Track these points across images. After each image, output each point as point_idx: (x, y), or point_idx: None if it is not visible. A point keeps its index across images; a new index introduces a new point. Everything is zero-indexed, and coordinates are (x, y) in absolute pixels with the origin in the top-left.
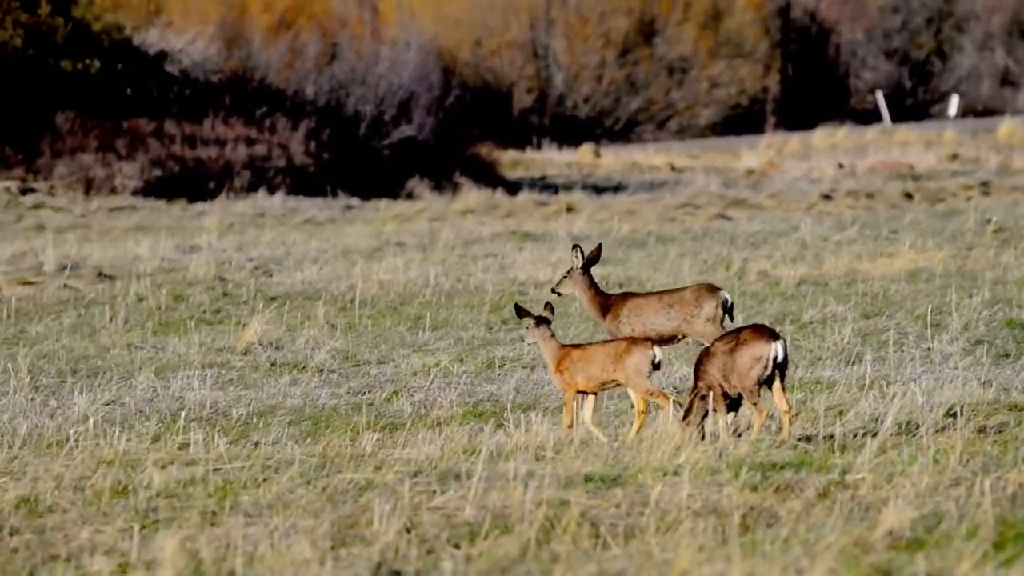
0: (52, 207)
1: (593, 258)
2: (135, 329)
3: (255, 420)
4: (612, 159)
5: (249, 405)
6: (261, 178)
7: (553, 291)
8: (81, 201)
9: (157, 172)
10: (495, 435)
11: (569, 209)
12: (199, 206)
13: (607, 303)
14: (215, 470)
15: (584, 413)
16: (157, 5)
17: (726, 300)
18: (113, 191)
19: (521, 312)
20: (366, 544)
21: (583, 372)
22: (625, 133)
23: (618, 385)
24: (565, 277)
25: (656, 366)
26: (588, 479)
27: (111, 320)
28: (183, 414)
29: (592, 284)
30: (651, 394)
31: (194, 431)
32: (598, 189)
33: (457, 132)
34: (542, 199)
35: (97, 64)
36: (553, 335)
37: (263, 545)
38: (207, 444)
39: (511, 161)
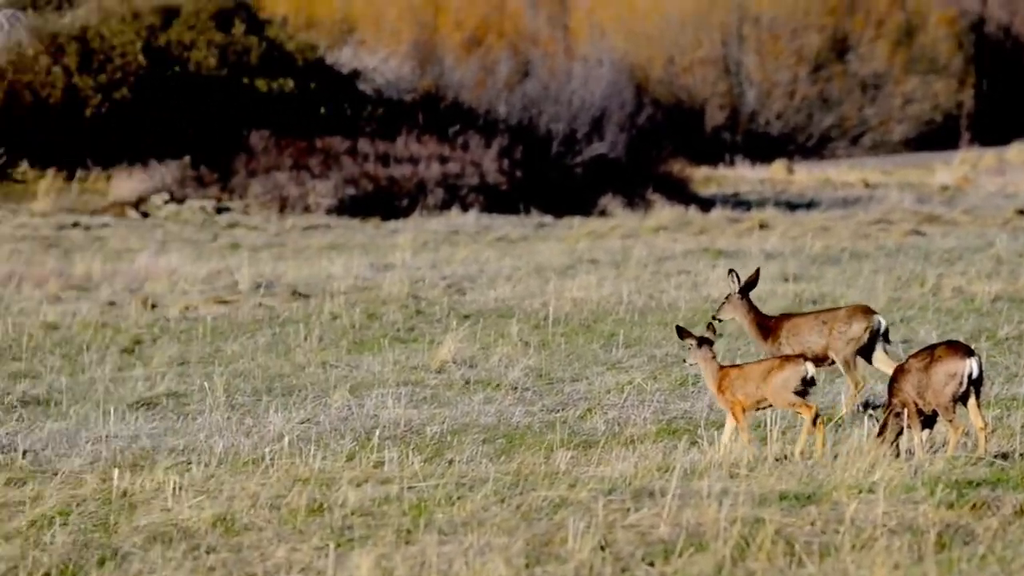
0: (247, 226)
1: (751, 282)
2: (329, 347)
3: (449, 438)
4: (805, 175)
5: (443, 423)
6: (454, 196)
7: (714, 318)
8: (275, 220)
9: (351, 191)
10: (689, 453)
11: (762, 226)
12: (392, 224)
13: (767, 325)
14: (409, 488)
15: (725, 433)
16: (350, 24)
17: (879, 323)
18: (307, 210)
19: (683, 334)
20: (560, 562)
21: (742, 390)
22: (818, 149)
23: (769, 405)
24: (724, 303)
25: (810, 382)
26: (782, 497)
27: (306, 338)
28: (377, 432)
29: (751, 307)
30: (793, 405)
31: (388, 449)
32: (791, 206)
33: (649, 149)
34: (735, 216)
35: (291, 83)
36: (714, 356)
37: (458, 563)
38: (402, 462)
39: (704, 178)
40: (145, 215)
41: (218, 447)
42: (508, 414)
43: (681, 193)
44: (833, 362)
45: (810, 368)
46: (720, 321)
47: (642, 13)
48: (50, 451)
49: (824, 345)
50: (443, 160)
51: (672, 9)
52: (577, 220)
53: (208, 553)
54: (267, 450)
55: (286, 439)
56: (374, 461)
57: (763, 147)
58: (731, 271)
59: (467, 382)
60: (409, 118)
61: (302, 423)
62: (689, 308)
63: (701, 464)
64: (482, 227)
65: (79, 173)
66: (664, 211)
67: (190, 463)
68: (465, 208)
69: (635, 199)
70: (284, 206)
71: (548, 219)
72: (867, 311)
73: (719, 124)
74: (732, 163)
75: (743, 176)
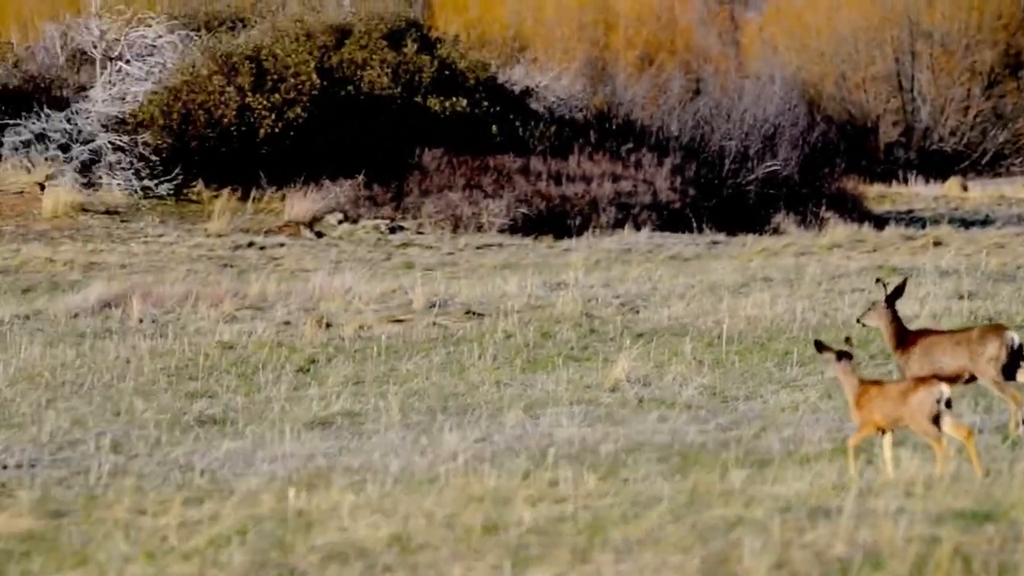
0: (420, 245)
1: (897, 292)
2: (503, 366)
3: (624, 456)
4: (979, 192)
5: (617, 442)
6: (627, 214)
7: (858, 321)
8: (448, 239)
9: (523, 209)
10: (865, 471)
11: (936, 243)
12: (565, 243)
13: (905, 338)
14: (584, 507)
15: (884, 449)
16: (521, 43)
17: (1012, 341)
18: (480, 228)
19: (821, 347)
20: None
21: (880, 409)
22: (992, 166)
23: (907, 425)
24: (870, 309)
25: (946, 404)
26: (959, 515)
27: (480, 357)
28: (552, 451)
29: (895, 318)
30: (928, 435)
31: (563, 468)
32: (965, 223)
33: (822, 166)
34: (909, 233)
35: (463, 102)
36: (854, 370)
37: None
38: (576, 481)
39: (877, 195)
40: (319, 235)
41: (393, 466)
42: (682, 432)
43: (855, 210)
44: (968, 380)
45: (945, 390)
46: (864, 326)
47: (814, 30)
48: (227, 470)
49: (959, 366)
50: (615, 178)
51: (844, 25)
52: (750, 238)
53: (384, 572)
54: (442, 469)
55: (461, 458)
56: (549, 480)
57: (937, 164)
58: (878, 280)
59: (641, 400)
60: (581, 136)
61: (476, 442)
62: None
63: (877, 483)
64: (655, 245)
65: (253, 193)
66: (838, 228)
67: (365, 482)
68: (638, 226)
69: (808, 216)
70: (457, 225)
71: (721, 237)
72: (999, 330)
73: (892, 141)
74: (906, 180)
75: (917, 193)
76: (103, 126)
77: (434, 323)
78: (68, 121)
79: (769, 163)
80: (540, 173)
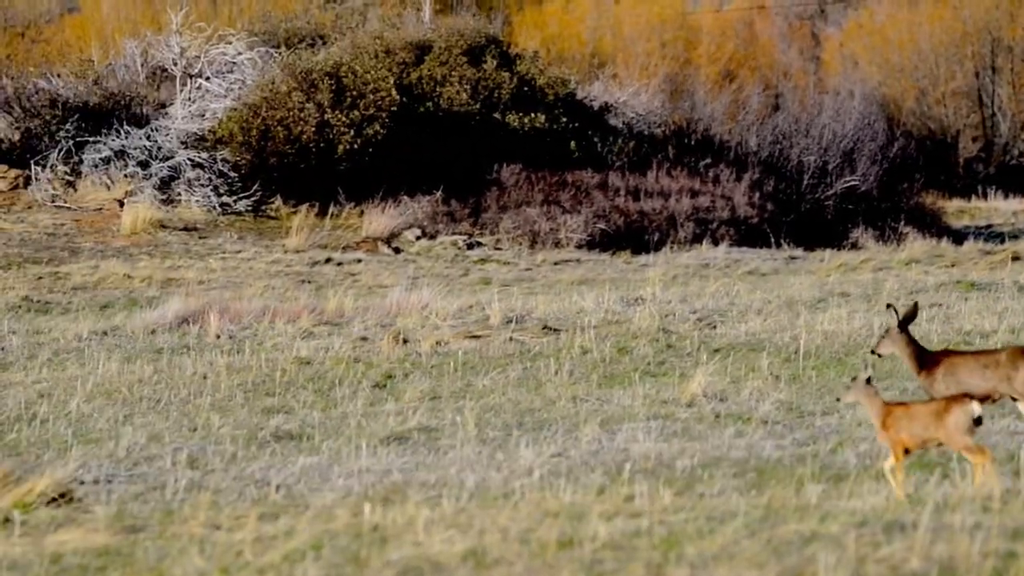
0: (498, 260)
1: (909, 316)
2: (580, 381)
3: (700, 472)
4: None
5: (693, 457)
6: (705, 229)
7: (873, 352)
8: (526, 254)
9: (601, 225)
10: (941, 486)
11: (1015, 258)
12: (642, 258)
13: (926, 359)
14: (660, 522)
15: (886, 468)
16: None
17: None
18: (558, 244)
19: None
20: None
21: (907, 430)
22: None
23: (940, 444)
24: (883, 337)
25: (978, 422)
26: None
27: (556, 373)
28: (628, 466)
29: (911, 341)
30: (969, 450)
31: (639, 483)
32: None
33: (901, 181)
34: (987, 248)
35: (542, 118)
36: (877, 392)
37: None
38: (652, 496)
39: (956, 210)
40: (397, 250)
41: (469, 481)
42: (758, 448)
43: (933, 225)
44: (994, 400)
45: (976, 408)
46: (880, 356)
47: (895, 45)
48: (303, 485)
49: (989, 388)
50: (693, 194)
51: (924, 41)
52: (828, 253)
53: None
54: (517, 484)
55: (536, 473)
56: (624, 495)
57: (1017, 178)
58: (889, 305)
59: (717, 416)
60: (660, 152)
61: (552, 457)
62: (942, 341)
63: (953, 497)
64: (732, 260)
65: (331, 209)
66: (916, 244)
67: (441, 497)
68: (716, 242)
69: (887, 231)
70: (535, 241)
71: (799, 252)
72: None
73: (972, 156)
74: (985, 195)
75: (996, 208)
76: (182, 143)
77: (511, 339)
78: (147, 138)
79: (848, 178)
80: (618, 189)
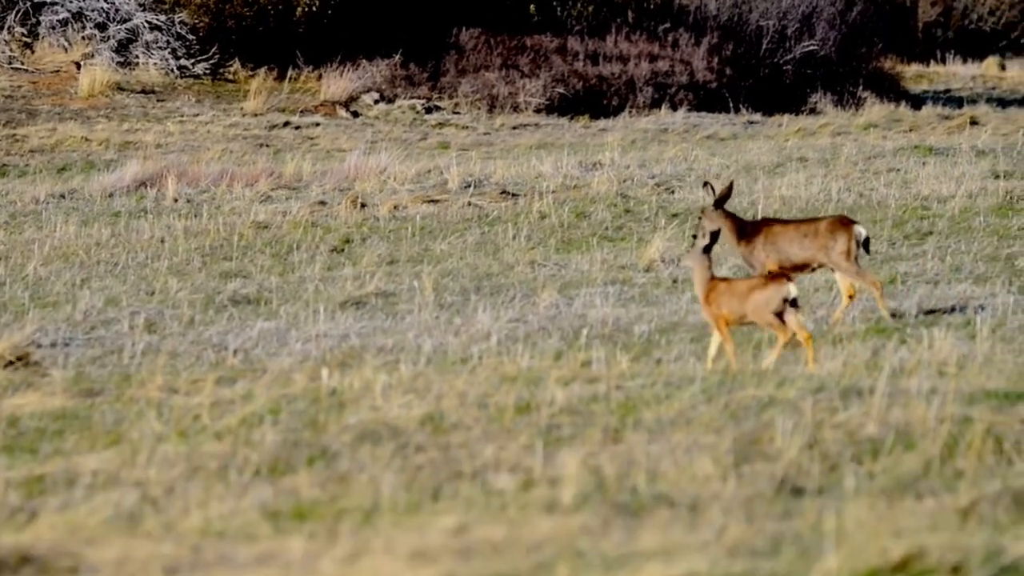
0: (456, 125)
1: (725, 195)
2: (538, 246)
3: (657, 337)
4: (1017, 72)
5: (651, 322)
6: (663, 94)
7: (694, 237)
8: (485, 119)
9: (560, 89)
10: (898, 351)
11: (973, 123)
12: (601, 123)
13: (746, 229)
14: (617, 387)
15: (711, 346)
16: None
17: (860, 235)
18: (516, 109)
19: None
20: (768, 461)
21: (727, 305)
22: None
23: (752, 321)
24: (701, 219)
25: (792, 303)
26: (991, 395)
27: (514, 238)
28: (585, 331)
29: (728, 214)
30: (771, 325)
31: (596, 348)
32: (1003, 102)
33: (860, 46)
34: (945, 113)
35: None
36: (710, 265)
37: (665, 462)
38: (609, 361)
39: (915, 75)
40: (355, 114)
41: (426, 346)
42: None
43: (892, 90)
44: (814, 269)
45: (792, 289)
46: (704, 238)
47: None
48: (260, 350)
49: (808, 257)
50: (652, 58)
51: None
52: (787, 118)
53: (416, 451)
54: (475, 349)
55: (494, 338)
56: (582, 360)
57: (975, 44)
58: (706, 183)
59: (675, 281)
60: (619, 16)
61: (510, 322)
62: (899, 206)
63: (910, 363)
64: (691, 125)
65: (290, 72)
66: (874, 108)
67: (398, 362)
68: (674, 107)
69: (845, 96)
70: (493, 105)
71: (757, 117)
72: (847, 222)
73: (931, 20)
74: (943, 60)
75: (954, 72)
76: (140, 5)
77: (469, 203)
78: (105, 0)
79: (807, 43)
80: (577, 53)
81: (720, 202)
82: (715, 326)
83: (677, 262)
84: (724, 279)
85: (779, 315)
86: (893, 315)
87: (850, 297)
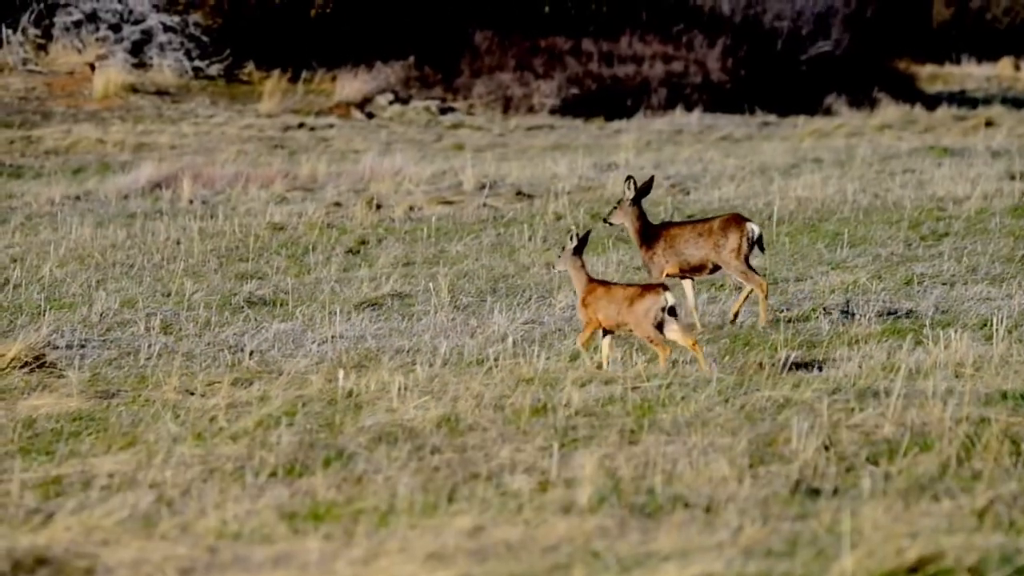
0: (471, 126)
1: (644, 190)
2: (554, 247)
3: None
4: None
5: None
6: (678, 95)
7: (604, 221)
8: (499, 120)
9: (574, 90)
10: (914, 352)
11: (988, 123)
12: (616, 124)
13: (651, 233)
14: (633, 388)
15: (603, 346)
16: None
17: (753, 232)
18: (531, 110)
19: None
20: (784, 462)
21: (604, 310)
22: None
23: (631, 330)
24: (616, 208)
25: (671, 312)
26: (1008, 396)
27: (530, 239)
28: (601, 333)
29: (641, 215)
30: (651, 341)
31: (613, 349)
32: (1017, 103)
33: (875, 47)
34: (960, 113)
35: None
36: (584, 265)
37: (681, 463)
38: (625, 363)
39: (929, 75)
40: (370, 116)
41: (442, 347)
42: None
43: (907, 91)
44: (712, 271)
45: (668, 298)
46: (611, 225)
47: None
48: (276, 351)
49: (703, 257)
50: (667, 59)
51: None
52: (802, 119)
53: (433, 453)
54: (491, 350)
55: (510, 339)
56: (598, 362)
57: (990, 44)
58: (629, 178)
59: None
60: (633, 17)
61: (526, 324)
62: (915, 207)
63: (926, 364)
64: (705, 126)
65: (304, 74)
66: (889, 109)
67: (415, 363)
68: (689, 107)
69: (860, 97)
70: (508, 106)
71: (772, 118)
72: (740, 220)
73: (946, 21)
74: (958, 60)
75: (969, 73)
76: (154, 6)
77: (484, 204)
78: (119, 1)
79: (821, 43)
80: (591, 54)
81: (639, 197)
82: (584, 328)
83: (549, 268)
84: (604, 283)
85: (659, 325)
86: (908, 314)
87: (764, 296)
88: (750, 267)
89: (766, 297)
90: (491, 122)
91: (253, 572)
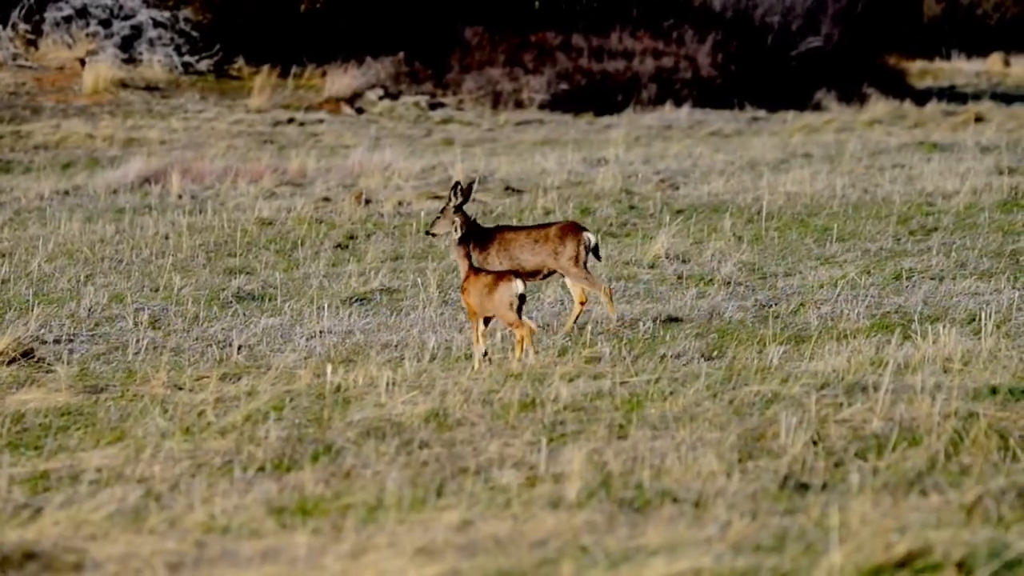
0: (460, 121)
1: (466, 196)
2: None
3: (662, 333)
4: (1021, 68)
5: (656, 318)
6: (668, 90)
7: (428, 233)
8: (489, 115)
9: (564, 86)
10: (902, 347)
11: (978, 119)
12: (605, 119)
13: (480, 236)
14: (622, 383)
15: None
16: None
17: (589, 240)
18: (520, 105)
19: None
20: (773, 456)
21: (475, 297)
22: None
23: (492, 315)
24: (440, 217)
25: (521, 299)
26: (996, 391)
27: None
28: (590, 327)
29: (467, 220)
30: (513, 324)
31: (601, 344)
32: (1007, 98)
33: (865, 42)
34: (950, 109)
35: None
36: (468, 255)
37: (669, 458)
38: (614, 357)
39: (919, 71)
40: (359, 111)
41: (431, 342)
42: (720, 309)
43: (896, 86)
44: (545, 276)
45: (519, 285)
46: (434, 236)
47: None
48: (264, 346)
49: (539, 263)
50: (657, 54)
51: None
52: (791, 114)
53: (421, 448)
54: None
55: (498, 334)
56: (586, 356)
57: (980, 39)
58: (456, 184)
59: (680, 277)
60: (623, 12)
61: None
62: (903, 202)
63: (914, 359)
64: (695, 121)
65: (294, 69)
66: (879, 104)
67: (403, 358)
68: (679, 103)
69: (850, 93)
70: (497, 101)
71: (762, 113)
72: (576, 229)
73: (935, 16)
74: (948, 56)
75: (959, 69)
76: (144, 1)
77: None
78: None
79: (811, 39)
80: (581, 49)
81: (462, 204)
82: (471, 319)
83: (444, 246)
84: (480, 271)
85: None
86: (896, 309)
87: (581, 303)
88: (588, 272)
89: (611, 301)
90: (480, 117)
91: (241, 567)
